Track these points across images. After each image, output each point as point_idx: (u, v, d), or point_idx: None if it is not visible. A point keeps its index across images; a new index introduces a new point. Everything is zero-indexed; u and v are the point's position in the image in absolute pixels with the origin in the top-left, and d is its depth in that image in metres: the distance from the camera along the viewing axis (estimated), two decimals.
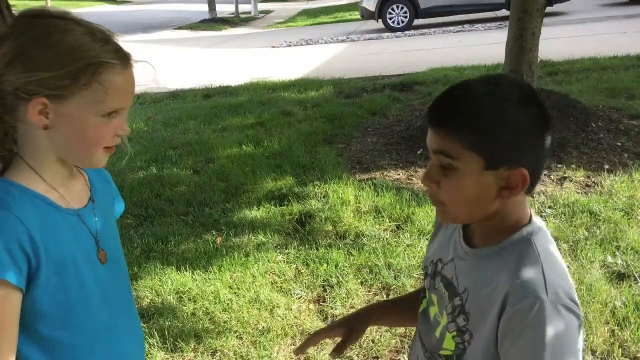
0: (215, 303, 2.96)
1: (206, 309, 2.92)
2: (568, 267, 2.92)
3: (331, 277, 3.11)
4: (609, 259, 3.06)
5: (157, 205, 4.21)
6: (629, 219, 3.48)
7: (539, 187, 3.95)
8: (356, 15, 17.20)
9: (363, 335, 1.40)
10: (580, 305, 0.96)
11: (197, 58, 12.84)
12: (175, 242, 3.62)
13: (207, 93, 8.28)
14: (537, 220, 1.05)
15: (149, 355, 2.59)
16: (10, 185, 1.05)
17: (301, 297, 3.00)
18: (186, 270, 3.26)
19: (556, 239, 3.23)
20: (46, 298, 1.04)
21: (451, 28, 13.60)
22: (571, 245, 3.23)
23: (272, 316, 2.84)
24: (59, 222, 1.08)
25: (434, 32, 13.47)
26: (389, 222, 3.69)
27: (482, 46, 10.22)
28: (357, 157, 4.90)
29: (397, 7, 14.33)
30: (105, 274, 1.15)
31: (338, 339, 1.34)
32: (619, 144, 4.59)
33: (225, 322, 2.82)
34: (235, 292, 3.05)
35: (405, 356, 2.48)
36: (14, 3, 2.79)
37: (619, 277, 2.93)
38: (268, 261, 3.32)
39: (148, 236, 3.70)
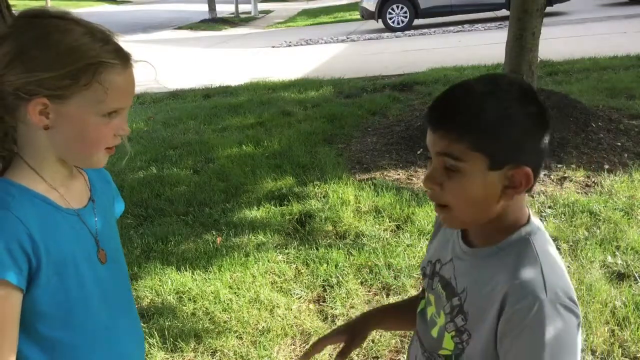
0: (215, 303, 2.96)
1: (206, 309, 2.92)
2: (568, 267, 2.93)
3: (331, 277, 3.11)
4: (609, 259, 3.06)
5: (157, 205, 4.21)
6: (629, 219, 3.48)
7: (538, 187, 3.95)
8: (356, 15, 17.20)
9: (365, 340, 1.41)
10: (580, 305, 0.96)
11: (197, 58, 12.84)
12: (175, 242, 3.62)
13: (207, 93, 8.28)
14: (535, 220, 1.05)
15: (149, 355, 2.59)
16: (10, 185, 1.05)
17: (301, 297, 3.00)
18: (186, 270, 3.26)
19: (556, 239, 3.23)
20: (46, 298, 1.04)
21: (451, 28, 13.60)
22: (571, 245, 3.23)
23: (272, 316, 2.84)
24: (59, 222, 1.08)
25: (434, 32, 13.47)
26: (389, 222, 3.69)
27: (482, 46, 10.22)
28: (357, 157, 4.90)
29: (397, 7, 14.33)
30: (105, 274, 1.15)
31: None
32: (619, 144, 4.59)
33: (225, 322, 2.82)
34: (235, 292, 3.05)
35: (405, 356, 2.48)
36: (14, 3, 2.79)
37: (619, 277, 2.93)
38: (268, 261, 3.32)
39: (148, 236, 3.70)
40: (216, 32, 18.47)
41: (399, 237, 3.49)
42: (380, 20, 14.60)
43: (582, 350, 0.84)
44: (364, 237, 3.50)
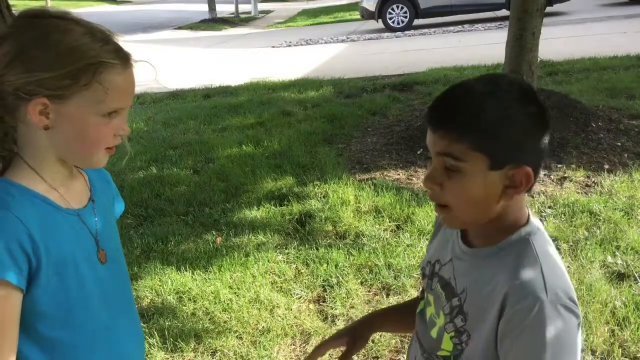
0: (215, 303, 2.96)
1: (206, 309, 2.92)
2: (568, 267, 2.93)
3: (331, 277, 3.11)
4: (609, 259, 3.06)
5: (157, 205, 4.21)
6: (629, 219, 3.48)
7: (538, 187, 3.95)
8: (356, 15, 17.20)
9: (367, 343, 1.40)
10: (580, 305, 0.96)
11: (197, 58, 12.84)
12: (175, 242, 3.62)
13: (207, 93, 8.28)
14: (535, 220, 1.05)
15: (149, 355, 2.59)
16: (10, 185, 1.05)
17: (301, 297, 3.00)
18: (186, 270, 3.26)
19: (556, 239, 3.23)
20: (46, 298, 1.04)
21: (451, 28, 13.60)
22: (571, 245, 3.23)
23: (272, 316, 2.84)
24: (59, 222, 1.08)
25: (434, 32, 13.47)
26: (389, 222, 3.69)
27: (482, 46, 10.22)
28: (357, 157, 4.90)
29: (397, 7, 14.33)
30: (105, 274, 1.15)
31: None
32: (619, 144, 4.59)
33: (225, 322, 2.82)
34: (235, 292, 3.05)
35: (405, 356, 2.48)
36: (14, 3, 2.79)
37: (619, 277, 2.93)
38: (268, 261, 3.32)
39: (148, 236, 3.70)
40: (216, 32, 18.47)
41: (399, 237, 3.49)
42: (380, 20, 14.60)
43: (582, 350, 0.84)
44: (364, 237, 3.50)
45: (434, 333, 1.12)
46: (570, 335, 0.92)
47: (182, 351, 2.64)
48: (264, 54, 12.75)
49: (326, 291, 3.02)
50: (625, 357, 2.41)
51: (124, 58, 1.06)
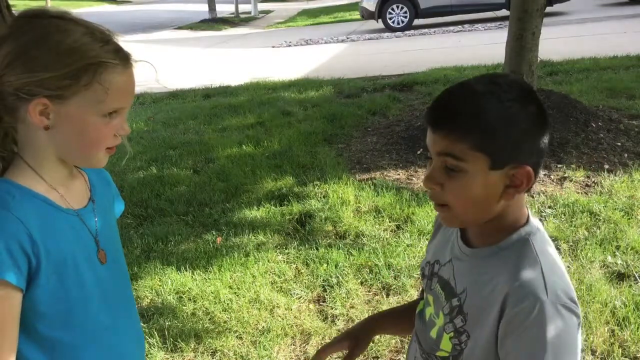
0: (215, 303, 2.96)
1: (206, 309, 2.92)
2: (568, 267, 2.93)
3: (331, 277, 3.11)
4: (609, 259, 3.06)
5: (157, 205, 4.21)
6: (629, 219, 3.48)
7: (538, 187, 3.95)
8: (356, 15, 17.20)
9: (369, 346, 1.40)
10: (580, 305, 0.96)
11: (197, 58, 12.85)
12: (175, 242, 3.62)
13: (207, 93, 8.28)
14: (534, 220, 1.05)
15: (149, 355, 2.59)
16: (10, 185, 1.05)
17: (301, 297, 3.00)
18: (186, 270, 3.26)
19: (556, 239, 3.23)
20: (46, 298, 1.04)
21: (451, 28, 13.60)
22: (571, 245, 3.23)
23: (272, 316, 2.84)
24: (59, 222, 1.08)
25: (434, 32, 13.47)
26: (389, 222, 3.69)
27: (482, 46, 10.22)
28: (357, 157, 4.90)
29: (397, 7, 14.33)
30: (105, 274, 1.15)
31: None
32: (619, 144, 4.59)
33: (225, 322, 2.82)
34: (235, 292, 3.05)
35: (405, 356, 2.48)
36: (14, 3, 2.79)
37: (619, 277, 2.93)
38: (268, 261, 3.32)
39: (148, 236, 3.70)
40: (216, 32, 18.47)
41: (399, 237, 3.49)
42: (380, 20, 14.60)
43: (582, 350, 0.84)
44: (364, 237, 3.50)
45: (433, 333, 1.12)
46: (570, 335, 0.92)
47: (182, 351, 2.64)
48: (264, 54, 12.75)
49: (326, 291, 3.02)
50: (625, 357, 2.41)
51: (124, 58, 1.06)
